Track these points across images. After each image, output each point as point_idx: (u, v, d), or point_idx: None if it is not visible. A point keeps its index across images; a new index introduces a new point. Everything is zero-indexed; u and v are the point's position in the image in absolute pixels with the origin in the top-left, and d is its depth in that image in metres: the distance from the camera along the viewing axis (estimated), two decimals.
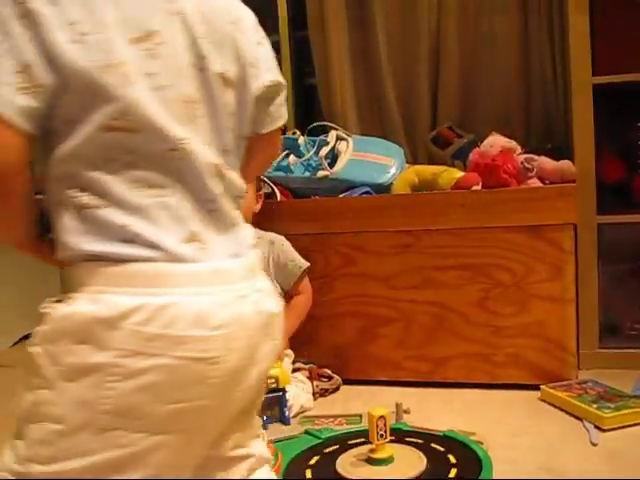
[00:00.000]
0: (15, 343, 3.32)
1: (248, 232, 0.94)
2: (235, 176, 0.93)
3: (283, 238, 2.23)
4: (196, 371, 0.81)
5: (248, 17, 0.98)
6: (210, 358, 0.82)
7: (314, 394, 2.12)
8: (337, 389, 2.22)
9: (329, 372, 2.23)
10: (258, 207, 2.22)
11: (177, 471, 0.85)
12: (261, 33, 0.99)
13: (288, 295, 2.20)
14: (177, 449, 0.84)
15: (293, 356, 2.19)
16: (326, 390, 2.18)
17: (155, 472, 0.81)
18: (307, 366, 2.21)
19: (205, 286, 0.83)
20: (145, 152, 0.83)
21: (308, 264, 2.20)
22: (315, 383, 2.16)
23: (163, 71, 0.84)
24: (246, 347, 0.86)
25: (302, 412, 2.02)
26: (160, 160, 0.84)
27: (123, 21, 0.81)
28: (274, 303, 0.93)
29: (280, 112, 1.02)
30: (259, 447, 0.99)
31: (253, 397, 0.94)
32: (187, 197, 0.86)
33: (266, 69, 0.97)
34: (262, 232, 2.21)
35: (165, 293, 0.79)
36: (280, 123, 1.02)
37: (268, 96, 0.98)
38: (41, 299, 0.90)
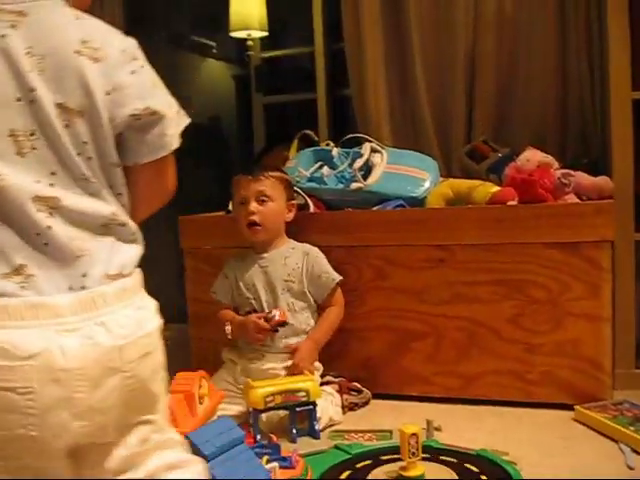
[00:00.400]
0: None
1: (98, 266, 0.93)
2: (91, 205, 0.93)
3: (317, 250, 2.21)
4: (7, 400, 0.83)
5: (116, 46, 0.96)
6: (19, 388, 0.83)
7: (343, 407, 2.11)
8: (367, 403, 2.20)
9: (359, 386, 2.22)
10: (291, 216, 2.22)
11: None
12: (138, 62, 0.99)
13: (321, 307, 2.20)
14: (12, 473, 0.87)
15: (322, 369, 2.18)
16: (356, 404, 2.17)
17: None
18: (337, 379, 2.20)
19: (18, 320, 0.84)
20: None
21: (341, 277, 2.18)
22: (345, 397, 2.14)
23: None
24: (75, 379, 0.86)
25: (331, 425, 2.00)
26: None
27: None
28: (120, 336, 0.91)
29: (162, 142, 1.00)
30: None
31: (108, 428, 0.93)
32: (12, 232, 0.87)
33: (136, 97, 0.96)
34: (297, 243, 2.22)
35: None
36: (162, 153, 1.00)
37: (141, 125, 0.97)
38: None
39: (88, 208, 0.93)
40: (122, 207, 0.99)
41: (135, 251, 1.00)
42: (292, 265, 2.17)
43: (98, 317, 0.90)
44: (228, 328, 2.14)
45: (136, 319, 0.95)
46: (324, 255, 2.20)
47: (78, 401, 0.87)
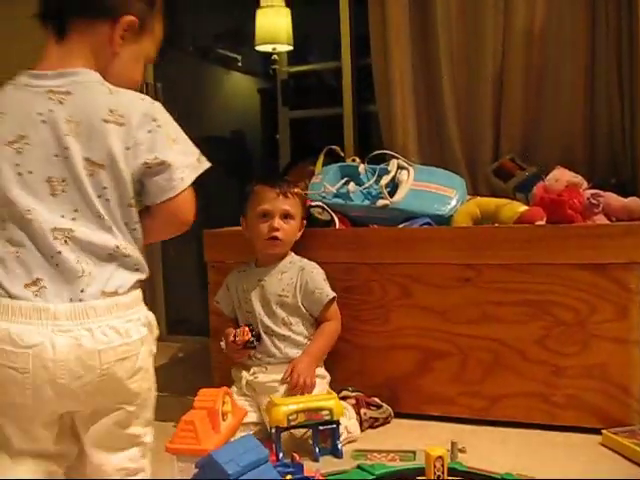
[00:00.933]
0: None
1: (95, 284, 1.19)
2: (100, 238, 1.20)
3: (315, 265, 2.21)
4: (12, 376, 1.14)
5: (139, 111, 1.23)
6: (20, 368, 1.14)
7: (362, 423, 2.10)
8: (387, 419, 2.18)
9: (378, 401, 2.20)
10: (300, 234, 2.23)
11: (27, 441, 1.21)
12: (156, 122, 1.24)
13: (317, 321, 2.21)
14: (16, 430, 1.21)
15: (329, 377, 2.18)
16: (376, 419, 2.15)
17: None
18: (353, 394, 2.18)
19: (26, 318, 1.14)
20: (9, 218, 1.18)
21: (334, 294, 2.18)
22: (363, 411, 2.12)
23: (27, 161, 1.19)
24: (59, 368, 1.14)
25: (351, 441, 2.00)
26: (19, 224, 1.17)
27: (6, 131, 1.20)
28: (102, 342, 1.17)
29: (170, 185, 1.24)
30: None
31: (85, 407, 1.21)
32: (36, 252, 1.17)
33: (148, 150, 1.21)
34: (297, 258, 2.23)
35: (2, 320, 1.14)
36: (171, 195, 1.24)
37: (152, 172, 1.23)
38: None
39: (97, 240, 1.20)
40: (134, 240, 1.25)
41: (135, 277, 1.25)
42: (287, 280, 2.17)
43: (87, 324, 1.16)
44: (222, 344, 2.19)
45: (121, 329, 1.19)
46: (324, 271, 2.21)
47: (60, 385, 1.15)
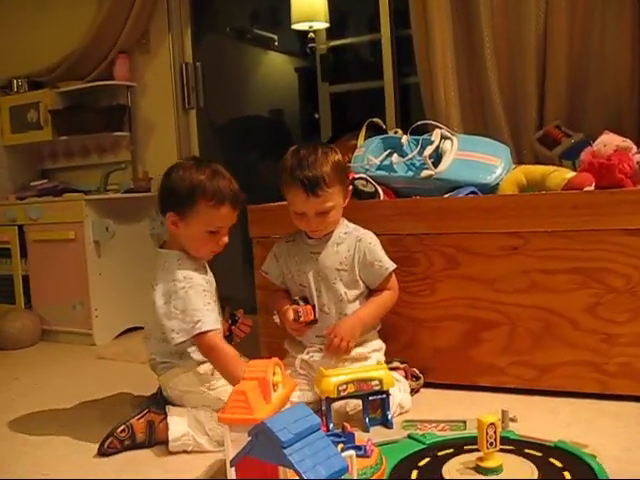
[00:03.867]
0: (115, 337, 3.43)
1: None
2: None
3: (372, 236, 2.13)
4: None
5: (159, 288, 1.93)
6: None
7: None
8: (419, 389, 2.20)
9: (417, 372, 2.21)
10: (347, 202, 2.12)
11: None
12: (173, 296, 1.90)
13: (373, 291, 2.15)
14: None
15: (384, 348, 2.16)
16: (412, 390, 2.15)
17: None
18: (402, 365, 2.17)
19: None
20: None
21: (394, 266, 2.12)
22: (408, 382, 2.13)
23: None
24: None
25: (401, 412, 1.99)
26: None
27: None
28: None
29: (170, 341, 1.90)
30: None
31: None
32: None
33: (163, 317, 1.91)
34: (351, 226, 2.15)
35: None
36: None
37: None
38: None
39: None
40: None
41: None
42: (344, 253, 2.10)
43: None
44: (276, 318, 2.18)
45: None
46: (381, 242, 2.13)
47: None
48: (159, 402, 1.95)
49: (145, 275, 2.06)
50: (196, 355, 1.93)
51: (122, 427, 1.84)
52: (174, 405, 1.93)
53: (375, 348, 2.13)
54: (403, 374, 2.14)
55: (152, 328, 1.99)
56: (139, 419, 1.86)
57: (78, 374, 2.80)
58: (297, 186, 2.00)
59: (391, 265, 2.11)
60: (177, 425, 1.84)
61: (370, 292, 2.16)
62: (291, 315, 2.07)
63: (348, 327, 2.03)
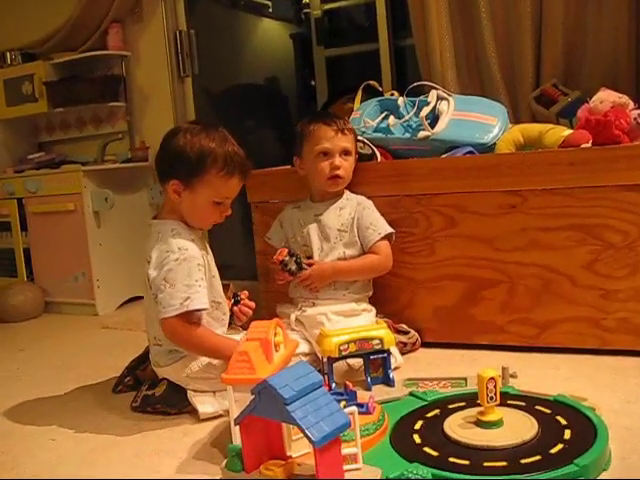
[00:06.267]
0: (118, 307, 3.45)
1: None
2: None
3: (369, 202, 2.24)
4: None
5: (154, 258, 1.83)
6: None
7: None
8: (415, 345, 2.23)
9: (405, 327, 2.24)
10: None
11: None
12: (165, 267, 1.79)
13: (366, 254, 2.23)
14: None
15: (374, 311, 2.21)
16: (404, 344, 2.19)
17: None
18: (386, 321, 2.19)
19: None
20: None
21: (389, 230, 2.19)
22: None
23: None
24: None
25: (395, 368, 2.01)
26: None
27: None
28: None
29: (161, 310, 1.78)
30: None
31: None
32: None
33: (156, 289, 1.80)
34: (352, 195, 2.27)
35: None
36: (163, 315, 1.77)
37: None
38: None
39: None
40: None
41: None
42: (346, 215, 2.21)
43: None
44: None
45: None
46: (377, 204, 2.23)
47: None
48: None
49: (145, 244, 1.95)
50: None
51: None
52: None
53: (366, 309, 2.20)
54: None
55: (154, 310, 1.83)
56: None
57: (83, 343, 2.82)
58: (327, 124, 2.18)
59: (384, 231, 2.18)
60: (206, 406, 1.81)
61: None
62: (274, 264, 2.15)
63: (320, 270, 2.15)
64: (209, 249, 1.97)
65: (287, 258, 2.10)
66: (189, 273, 1.76)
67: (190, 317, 1.76)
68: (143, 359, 2.05)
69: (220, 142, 1.82)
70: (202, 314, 1.81)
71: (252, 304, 2.06)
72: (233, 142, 1.85)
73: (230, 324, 2.00)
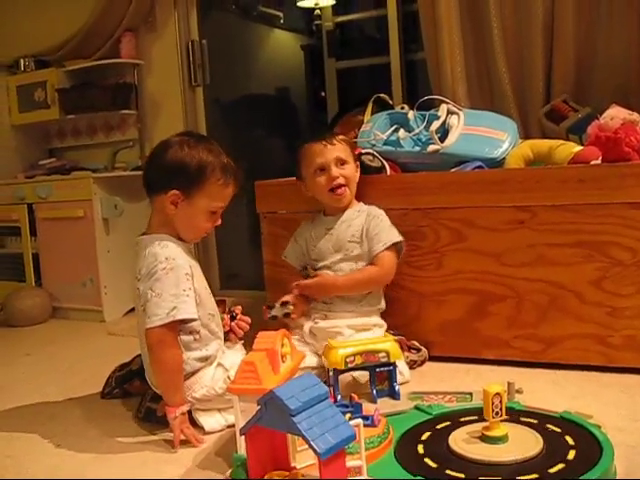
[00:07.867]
0: (124, 314, 3.45)
1: None
2: None
3: (381, 213, 2.23)
4: None
5: (143, 271, 1.83)
6: None
7: None
8: (423, 361, 2.23)
9: (417, 344, 2.24)
10: (358, 176, 2.27)
11: None
12: (152, 278, 1.79)
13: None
14: None
15: (385, 326, 2.20)
16: (415, 362, 2.20)
17: None
18: (397, 337, 2.19)
19: None
20: None
21: (395, 240, 2.18)
22: (405, 354, 2.16)
23: None
24: None
25: (402, 381, 2.00)
26: None
27: None
28: None
29: (148, 320, 1.76)
30: None
31: None
32: None
33: (144, 300, 1.79)
34: (364, 206, 2.27)
35: None
36: (149, 325, 1.74)
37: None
38: None
39: None
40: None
41: None
42: (357, 227, 2.21)
43: None
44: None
45: None
46: (389, 217, 2.22)
47: None
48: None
49: (134, 264, 1.94)
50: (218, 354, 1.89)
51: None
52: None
53: (377, 324, 2.19)
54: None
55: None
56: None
57: (89, 349, 2.83)
58: (315, 141, 2.21)
59: (389, 241, 2.17)
60: (210, 422, 1.82)
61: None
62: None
63: (320, 285, 2.17)
64: (197, 263, 1.93)
65: (273, 310, 2.14)
66: (177, 283, 1.75)
67: (175, 330, 1.76)
68: (130, 373, 2.09)
69: (216, 153, 1.86)
70: (199, 327, 1.82)
71: (248, 319, 2.06)
72: (222, 151, 1.89)
73: (225, 340, 1.99)
